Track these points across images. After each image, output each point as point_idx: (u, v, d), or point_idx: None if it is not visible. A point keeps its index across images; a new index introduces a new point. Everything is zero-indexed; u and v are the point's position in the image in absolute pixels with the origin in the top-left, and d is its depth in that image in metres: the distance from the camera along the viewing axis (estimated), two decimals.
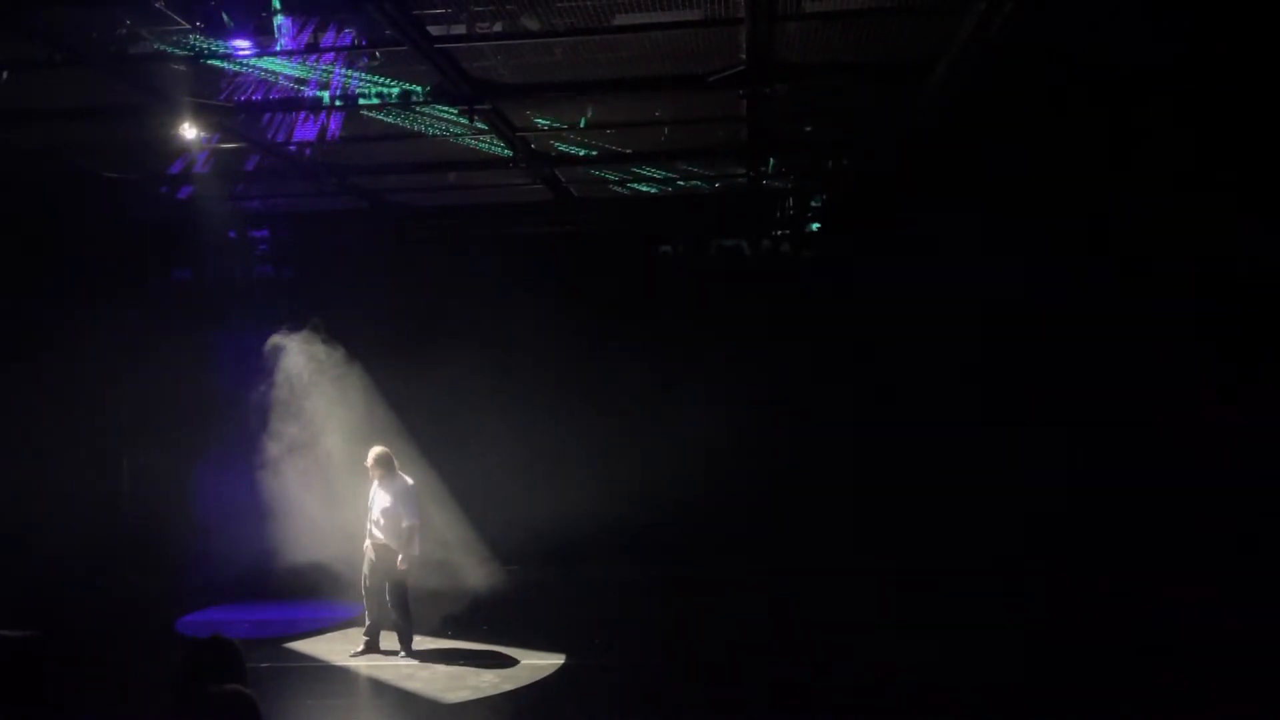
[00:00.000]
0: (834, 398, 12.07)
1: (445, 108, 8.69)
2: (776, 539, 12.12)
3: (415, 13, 6.97)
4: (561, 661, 8.96)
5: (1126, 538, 10.42)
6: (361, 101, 8.42)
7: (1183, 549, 9.64)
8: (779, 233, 12.81)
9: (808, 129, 10.03)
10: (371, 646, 9.31)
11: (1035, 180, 10.56)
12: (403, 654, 9.17)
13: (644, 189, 12.24)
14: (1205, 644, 8.03)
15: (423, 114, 9.06)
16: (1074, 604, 9.64)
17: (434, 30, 7.34)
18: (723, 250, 12.85)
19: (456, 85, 8.14)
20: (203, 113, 8.54)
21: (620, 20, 7.21)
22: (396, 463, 9.32)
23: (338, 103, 8.44)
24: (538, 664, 8.90)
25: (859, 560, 11.41)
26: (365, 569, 9.28)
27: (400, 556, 9.06)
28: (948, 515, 11.26)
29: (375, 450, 9.31)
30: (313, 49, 7.61)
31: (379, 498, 9.21)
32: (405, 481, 9.25)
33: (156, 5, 6.61)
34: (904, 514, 11.47)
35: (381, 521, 9.17)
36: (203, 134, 8.91)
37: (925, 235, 11.28)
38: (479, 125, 9.07)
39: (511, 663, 8.95)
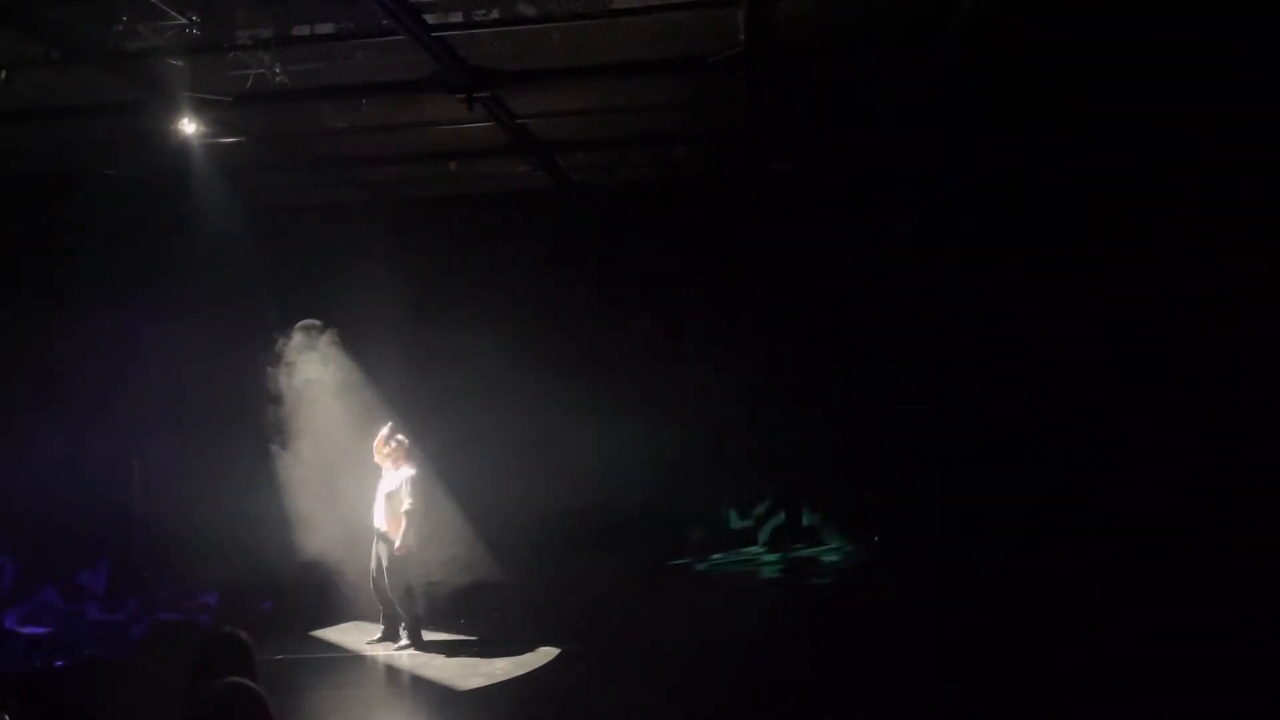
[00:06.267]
0: (839, 386, 12.04)
1: None
2: (781, 527, 12.17)
3: (412, 0, 6.94)
4: (573, 648, 8.98)
5: None
6: None
7: None
8: (782, 216, 12.71)
9: (808, 110, 9.98)
10: (388, 636, 9.33)
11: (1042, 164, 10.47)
12: (409, 645, 9.15)
13: (645, 174, 12.19)
14: None
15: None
16: None
17: (430, 19, 7.31)
18: (725, 235, 12.77)
19: (455, 74, 8.10)
20: (202, 107, 8.53)
21: (617, 4, 7.18)
22: (404, 452, 9.30)
23: None
24: (549, 650, 8.92)
25: (871, 547, 11.43)
26: (372, 560, 9.29)
27: (397, 542, 9.06)
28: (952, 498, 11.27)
29: (394, 436, 9.30)
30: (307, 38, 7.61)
31: (384, 485, 9.21)
32: (409, 469, 9.24)
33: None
34: (914, 506, 11.46)
35: (384, 509, 9.17)
36: (202, 128, 8.90)
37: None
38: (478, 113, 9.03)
39: (523, 650, 8.97)
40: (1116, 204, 10.44)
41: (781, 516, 13.10)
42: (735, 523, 13.16)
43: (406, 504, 9.08)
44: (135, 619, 10.28)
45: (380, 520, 9.18)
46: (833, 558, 12.35)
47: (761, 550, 12.77)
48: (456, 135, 9.98)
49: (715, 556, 12.61)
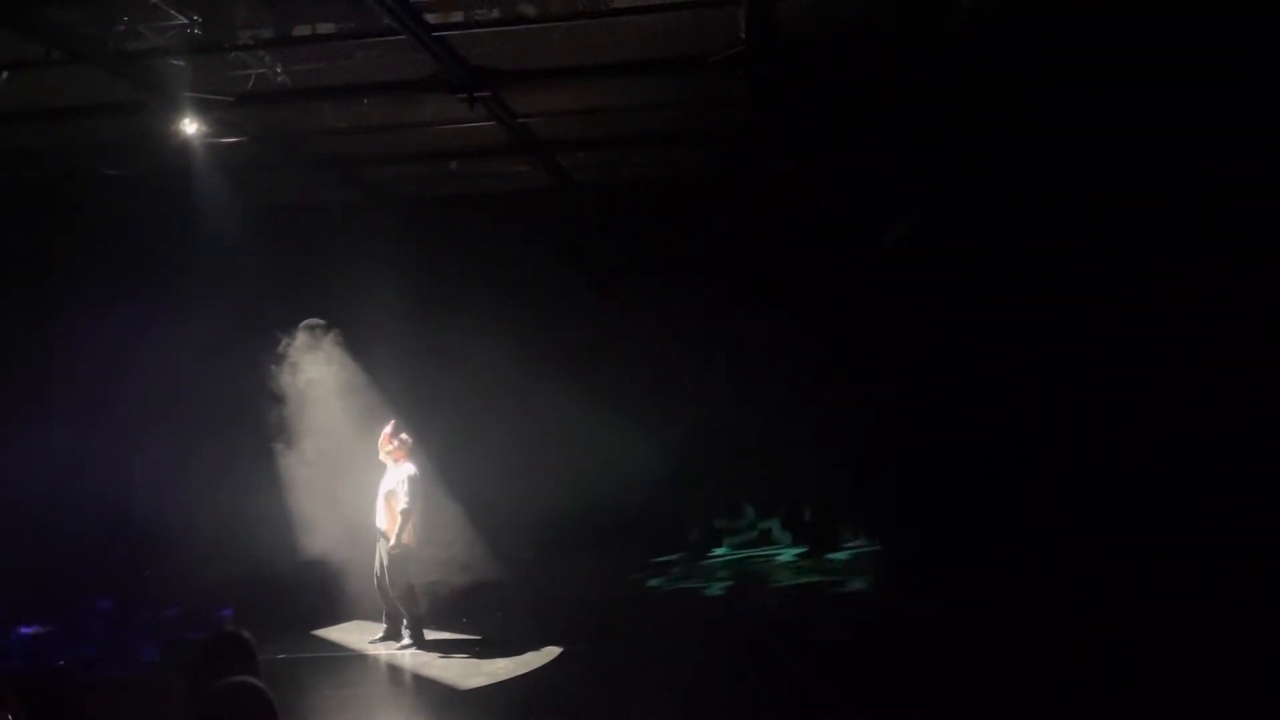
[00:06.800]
0: (838, 386, 12.03)
1: None
2: (780, 527, 12.17)
3: (412, 0, 6.95)
4: (574, 647, 8.98)
5: None
6: None
7: None
8: (782, 216, 12.71)
9: (808, 110, 9.97)
10: (391, 634, 9.33)
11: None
12: (411, 644, 9.16)
13: (645, 174, 12.18)
14: None
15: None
16: None
17: (431, 18, 7.32)
18: (725, 235, 12.77)
19: (455, 73, 8.11)
20: (203, 107, 8.54)
21: (617, 4, 7.19)
22: (406, 450, 9.31)
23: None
24: (551, 650, 8.93)
25: (870, 548, 11.42)
26: (376, 559, 9.30)
27: (392, 541, 9.07)
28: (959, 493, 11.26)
29: (399, 433, 9.30)
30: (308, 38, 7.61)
31: (384, 484, 9.23)
32: (408, 468, 9.24)
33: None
34: (914, 506, 11.46)
35: (384, 508, 9.18)
36: (203, 128, 8.91)
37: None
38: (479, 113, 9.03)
39: (525, 649, 8.97)
40: (1116, 204, 10.47)
41: (781, 517, 13.11)
42: (733, 523, 13.18)
43: (402, 503, 9.09)
44: (144, 639, 10.13)
45: (381, 519, 9.20)
46: (831, 558, 12.35)
47: (758, 551, 12.77)
48: (457, 135, 9.99)
49: (709, 557, 12.64)
